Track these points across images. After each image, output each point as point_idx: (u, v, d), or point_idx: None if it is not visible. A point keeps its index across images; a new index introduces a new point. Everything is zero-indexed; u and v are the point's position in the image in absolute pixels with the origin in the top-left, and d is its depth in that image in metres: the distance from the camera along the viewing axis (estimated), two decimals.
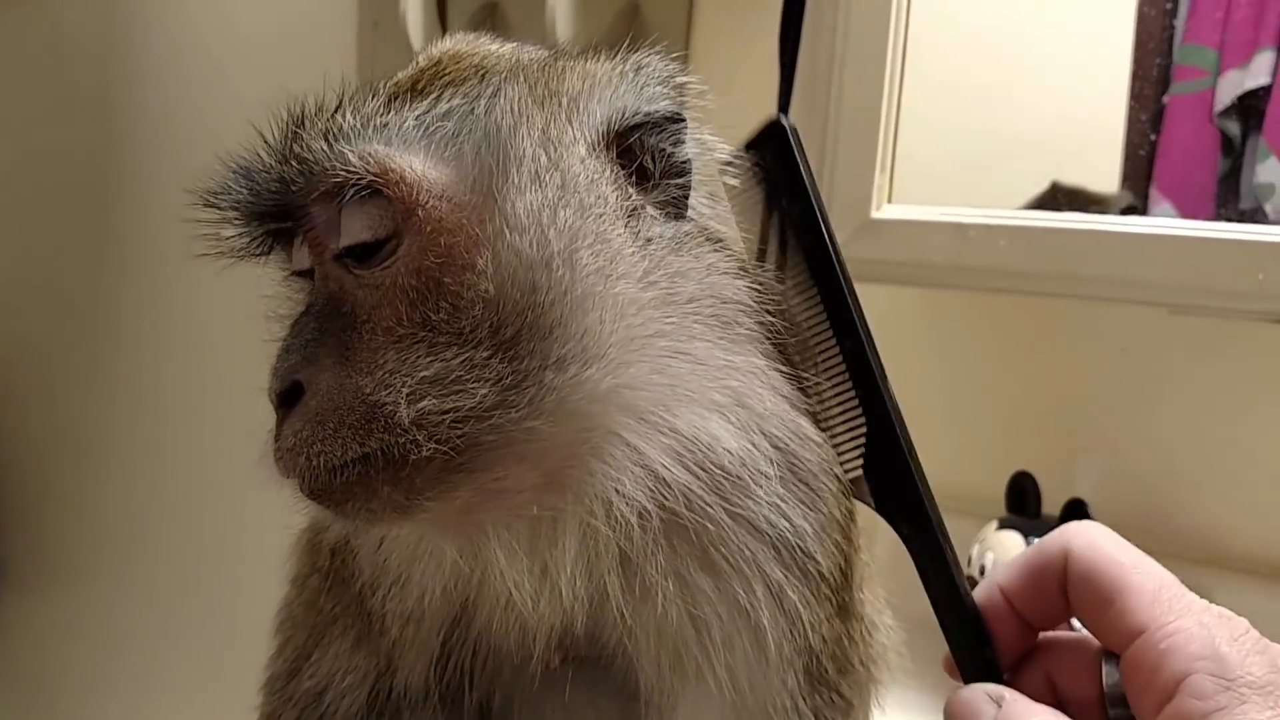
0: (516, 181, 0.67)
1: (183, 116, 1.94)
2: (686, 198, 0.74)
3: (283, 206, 0.71)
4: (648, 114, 0.73)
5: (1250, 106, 1.42)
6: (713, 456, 0.71)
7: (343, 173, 0.66)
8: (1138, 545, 1.40)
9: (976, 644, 0.71)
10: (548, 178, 0.68)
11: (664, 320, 0.70)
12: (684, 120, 0.74)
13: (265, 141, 0.72)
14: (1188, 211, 1.43)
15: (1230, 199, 1.43)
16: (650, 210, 0.72)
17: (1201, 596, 1.31)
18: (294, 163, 0.68)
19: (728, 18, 1.77)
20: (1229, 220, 1.36)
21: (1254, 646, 0.60)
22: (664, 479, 0.69)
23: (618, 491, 0.69)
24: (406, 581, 0.79)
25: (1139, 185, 1.48)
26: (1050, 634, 0.72)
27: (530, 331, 0.66)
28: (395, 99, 0.71)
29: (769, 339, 0.77)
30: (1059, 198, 1.46)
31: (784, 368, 0.77)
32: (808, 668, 0.79)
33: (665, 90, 0.75)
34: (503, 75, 0.72)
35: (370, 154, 0.67)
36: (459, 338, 0.65)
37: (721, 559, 0.74)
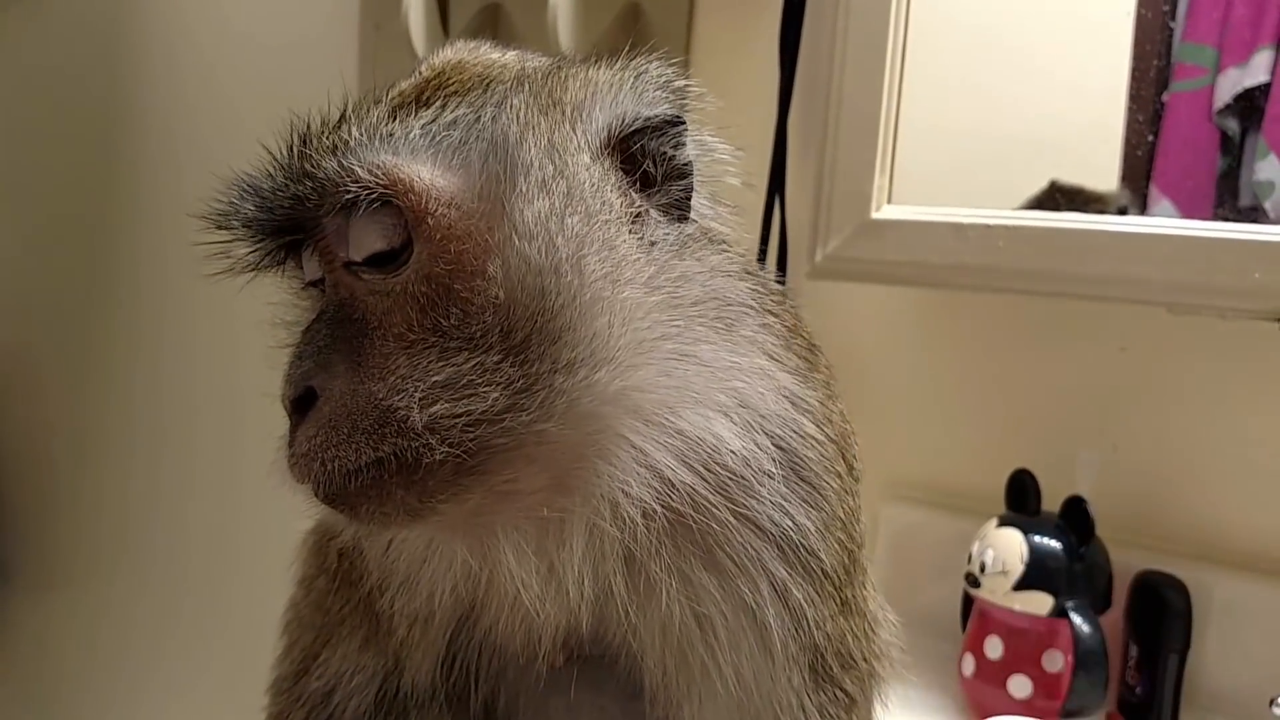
0: (524, 190, 0.68)
1: (183, 118, 1.95)
2: (689, 200, 0.75)
3: (294, 220, 0.72)
4: (648, 119, 0.74)
5: (1249, 104, 1.42)
6: (717, 457, 0.72)
7: (353, 188, 0.67)
8: (1137, 542, 1.42)
9: None
10: (554, 185, 0.69)
11: (670, 323, 0.71)
12: (684, 123, 0.75)
13: (274, 159, 0.73)
14: (1187, 209, 1.43)
15: (1229, 197, 1.44)
16: (654, 214, 0.73)
17: (1201, 593, 1.33)
18: (306, 181, 0.69)
19: (728, 19, 1.78)
20: (1227, 218, 1.37)
21: None
22: (669, 480, 0.70)
23: (624, 493, 0.70)
24: (415, 582, 0.80)
25: (1138, 184, 1.48)
26: None
27: (540, 336, 0.67)
28: (400, 109, 0.72)
29: (772, 339, 0.78)
30: (1058, 197, 1.47)
31: (791, 369, 0.78)
32: (812, 664, 0.80)
33: (665, 95, 0.76)
34: (507, 84, 0.73)
35: (379, 165, 0.68)
36: (470, 343, 0.66)
37: (726, 558, 0.75)
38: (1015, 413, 1.59)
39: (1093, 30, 1.57)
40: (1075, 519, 1.34)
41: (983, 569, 1.34)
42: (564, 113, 0.72)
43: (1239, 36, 1.43)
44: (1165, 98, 1.47)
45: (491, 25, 1.89)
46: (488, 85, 0.73)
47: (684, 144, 0.75)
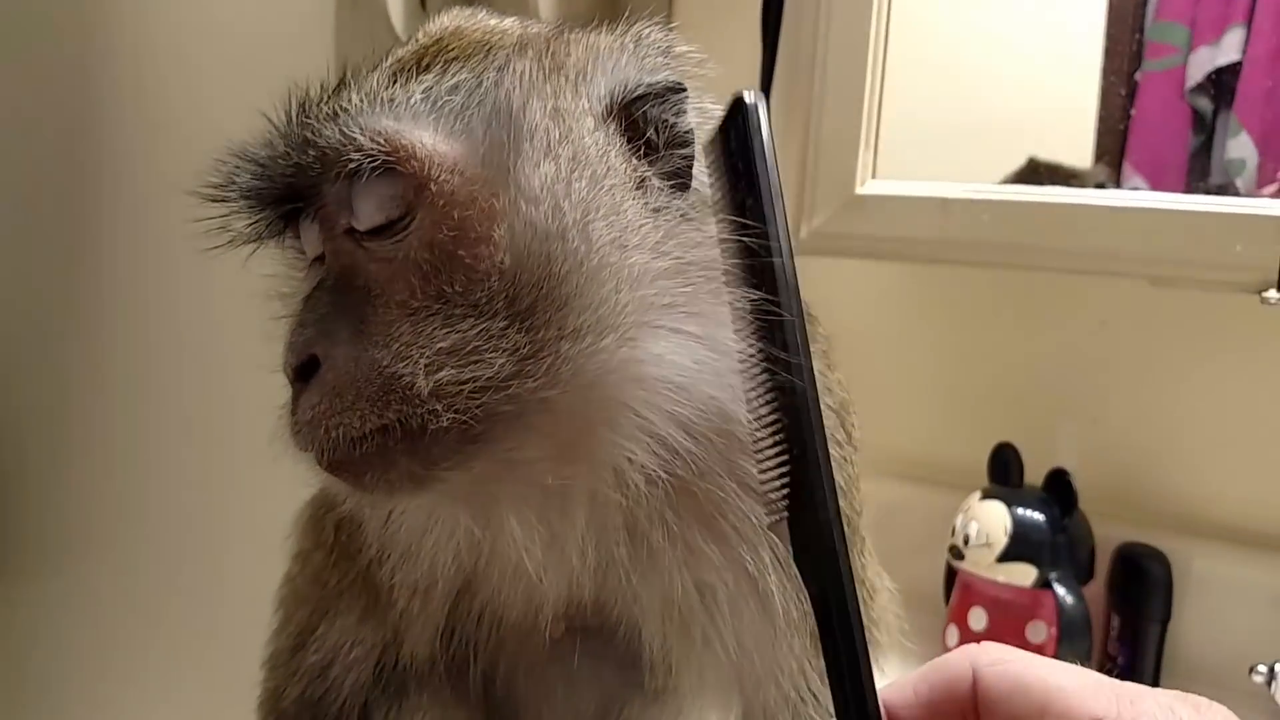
0: (530, 154, 0.67)
1: (157, 96, 1.92)
2: (690, 168, 0.74)
3: (294, 189, 0.71)
4: (650, 85, 0.73)
5: (1221, 83, 1.44)
6: (722, 425, 0.72)
7: (355, 156, 0.66)
8: (1119, 514, 1.43)
9: None
10: (560, 150, 0.68)
11: (677, 289, 0.70)
12: (685, 90, 0.74)
13: (274, 127, 0.72)
14: (1159, 187, 1.45)
15: (1201, 175, 1.45)
16: (656, 182, 0.72)
17: (1181, 565, 1.34)
18: (307, 149, 0.68)
19: None
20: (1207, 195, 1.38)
21: None
22: (673, 447, 0.70)
23: (629, 459, 0.69)
24: (416, 553, 0.79)
25: (1112, 161, 1.49)
26: None
27: (546, 302, 0.66)
28: (400, 74, 0.71)
29: None
30: (1038, 172, 1.48)
31: None
32: (813, 631, 0.80)
33: (665, 61, 0.76)
34: (509, 49, 0.73)
35: (380, 131, 0.67)
36: (474, 309, 0.66)
37: (729, 526, 0.75)
38: (998, 386, 1.60)
39: (1068, 9, 1.58)
40: (1058, 491, 1.35)
41: (966, 541, 1.35)
42: (567, 77, 0.71)
43: (1210, 15, 1.44)
44: (1138, 76, 1.48)
45: (469, 1, 1.87)
46: (488, 50, 0.73)
47: (685, 111, 0.74)
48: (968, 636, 1.35)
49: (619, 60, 0.74)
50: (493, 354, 0.65)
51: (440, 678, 0.87)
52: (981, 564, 1.34)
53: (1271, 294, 1.21)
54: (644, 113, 0.73)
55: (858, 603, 0.55)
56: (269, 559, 0.98)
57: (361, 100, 0.69)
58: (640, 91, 0.73)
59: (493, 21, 0.79)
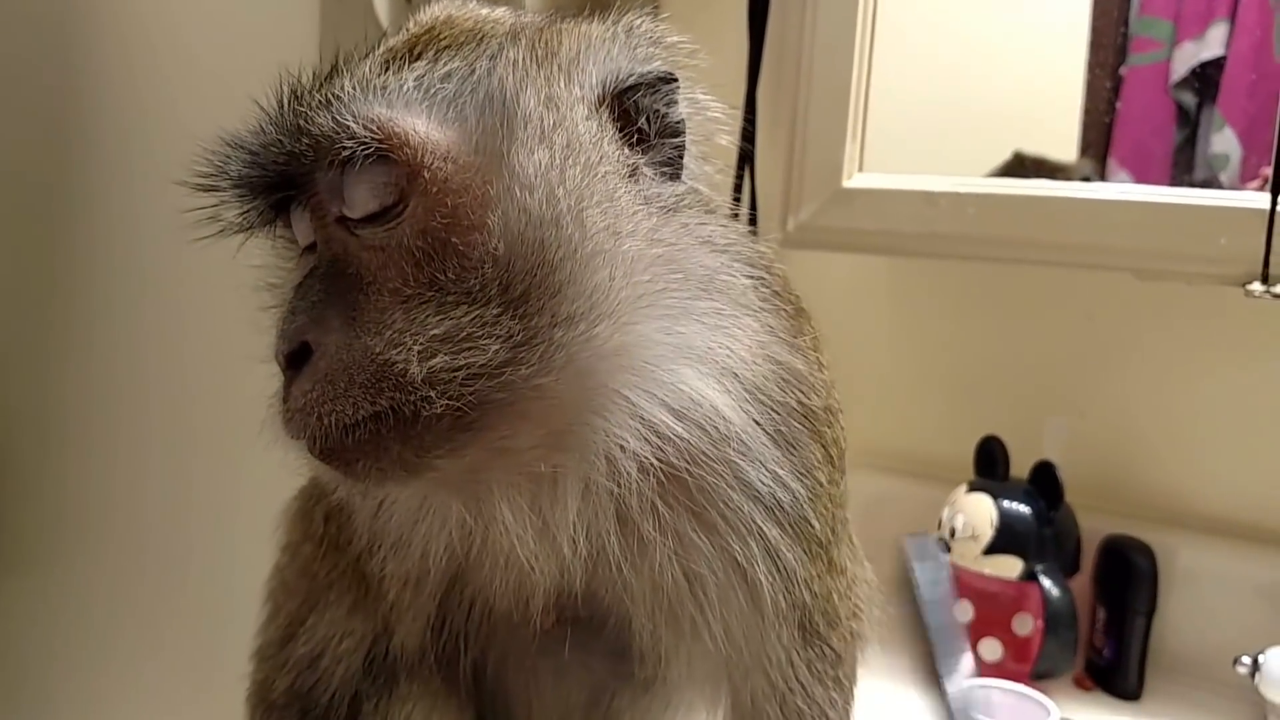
0: (523, 141, 0.67)
1: (141, 88, 1.90)
2: (681, 158, 0.74)
3: (285, 177, 0.71)
4: (641, 75, 0.73)
5: (1205, 77, 1.44)
6: (712, 416, 0.72)
7: (348, 143, 0.66)
8: (1105, 507, 1.44)
9: None
10: (554, 137, 0.68)
11: (670, 277, 0.70)
12: (676, 80, 0.74)
13: (266, 114, 0.71)
14: (1144, 181, 1.45)
15: (1185, 169, 1.46)
16: (648, 170, 0.72)
17: (1166, 557, 1.35)
18: (299, 136, 0.68)
19: None
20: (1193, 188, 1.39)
21: None
22: (665, 435, 0.70)
23: (621, 448, 0.69)
24: (407, 543, 0.79)
25: (1097, 155, 1.50)
26: None
27: (540, 289, 0.66)
28: (392, 62, 0.71)
29: (762, 302, 0.78)
30: (1024, 166, 1.48)
31: (781, 332, 0.78)
32: (801, 622, 0.80)
33: (657, 51, 0.76)
34: (500, 38, 0.72)
35: (373, 119, 0.67)
36: (468, 296, 0.66)
37: (719, 517, 0.75)
38: (984, 379, 1.60)
39: (1053, 3, 1.59)
40: (1044, 484, 1.35)
41: (953, 534, 1.36)
42: (559, 66, 0.71)
43: (1194, 10, 1.45)
44: (1123, 71, 1.49)
45: None
46: (481, 39, 0.72)
47: (676, 101, 0.74)
48: None
49: (611, 50, 0.74)
50: (486, 341, 0.65)
51: (430, 668, 0.87)
52: (968, 556, 1.34)
53: (1256, 286, 1.22)
54: (635, 102, 0.73)
55: None
56: (259, 551, 0.98)
57: (354, 87, 0.69)
58: (632, 81, 0.73)
59: (484, 11, 0.79)
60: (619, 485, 0.71)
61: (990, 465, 1.41)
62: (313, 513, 0.90)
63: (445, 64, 0.70)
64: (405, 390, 0.65)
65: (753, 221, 1.63)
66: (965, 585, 1.37)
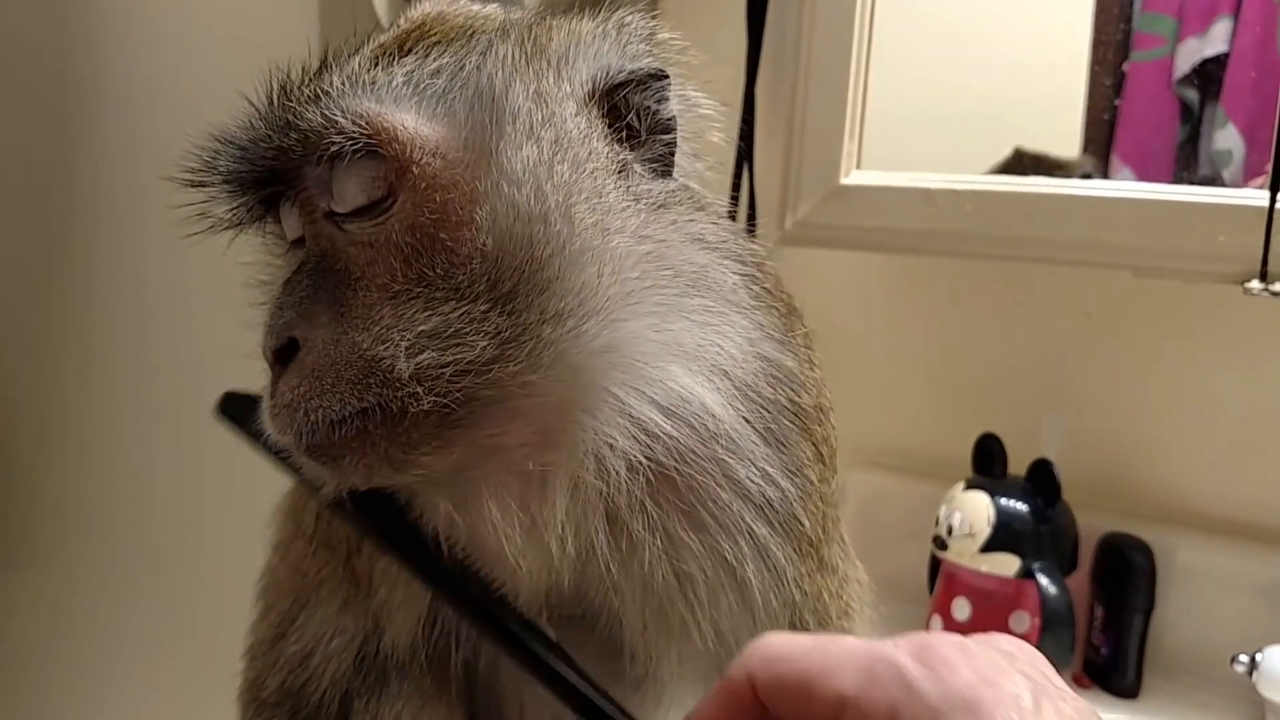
0: (512, 136, 0.67)
1: (140, 84, 1.91)
2: (672, 155, 0.74)
3: (274, 172, 0.71)
4: (632, 72, 0.73)
5: (1208, 74, 1.44)
6: (701, 414, 0.72)
7: (337, 138, 0.66)
8: (1102, 505, 1.43)
9: None
10: (543, 132, 0.68)
11: (658, 275, 0.70)
12: (667, 77, 0.74)
13: (255, 109, 0.71)
14: (1147, 178, 1.45)
15: (1188, 165, 1.45)
16: (638, 168, 0.72)
17: (1164, 555, 1.35)
18: (288, 131, 0.68)
19: None
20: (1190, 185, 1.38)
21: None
22: (654, 432, 0.70)
23: (610, 446, 0.69)
24: None
25: (1100, 151, 1.50)
26: None
27: (528, 285, 0.66)
28: (381, 58, 0.71)
29: (754, 300, 0.77)
30: (1024, 162, 1.48)
31: (771, 329, 0.78)
32: (791, 621, 0.80)
33: (647, 48, 0.76)
34: (491, 34, 0.72)
35: (362, 114, 0.67)
36: (456, 292, 0.65)
37: (709, 516, 0.75)
38: (981, 377, 1.60)
39: (1057, 1, 1.58)
40: (1041, 482, 1.35)
41: (950, 532, 1.36)
42: (549, 62, 0.71)
43: (1198, 6, 1.45)
44: (1126, 67, 1.48)
45: None
46: (470, 35, 0.72)
47: (667, 98, 0.74)
48: (951, 627, 1.36)
49: (601, 46, 0.74)
50: (474, 337, 0.65)
51: (421, 667, 0.86)
52: (965, 554, 1.34)
53: (1254, 284, 1.22)
54: (626, 99, 0.73)
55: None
56: (251, 548, 0.98)
57: (343, 83, 0.69)
58: (622, 78, 0.73)
59: (475, 8, 0.79)
60: (608, 484, 0.71)
61: (988, 463, 1.41)
62: (303, 510, 0.90)
63: (435, 60, 0.70)
64: (393, 386, 0.65)
65: (751, 218, 1.62)
66: (962, 583, 1.36)
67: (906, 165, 1.48)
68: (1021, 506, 1.34)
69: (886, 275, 1.68)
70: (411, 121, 0.67)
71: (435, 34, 0.73)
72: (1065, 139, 1.52)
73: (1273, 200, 1.22)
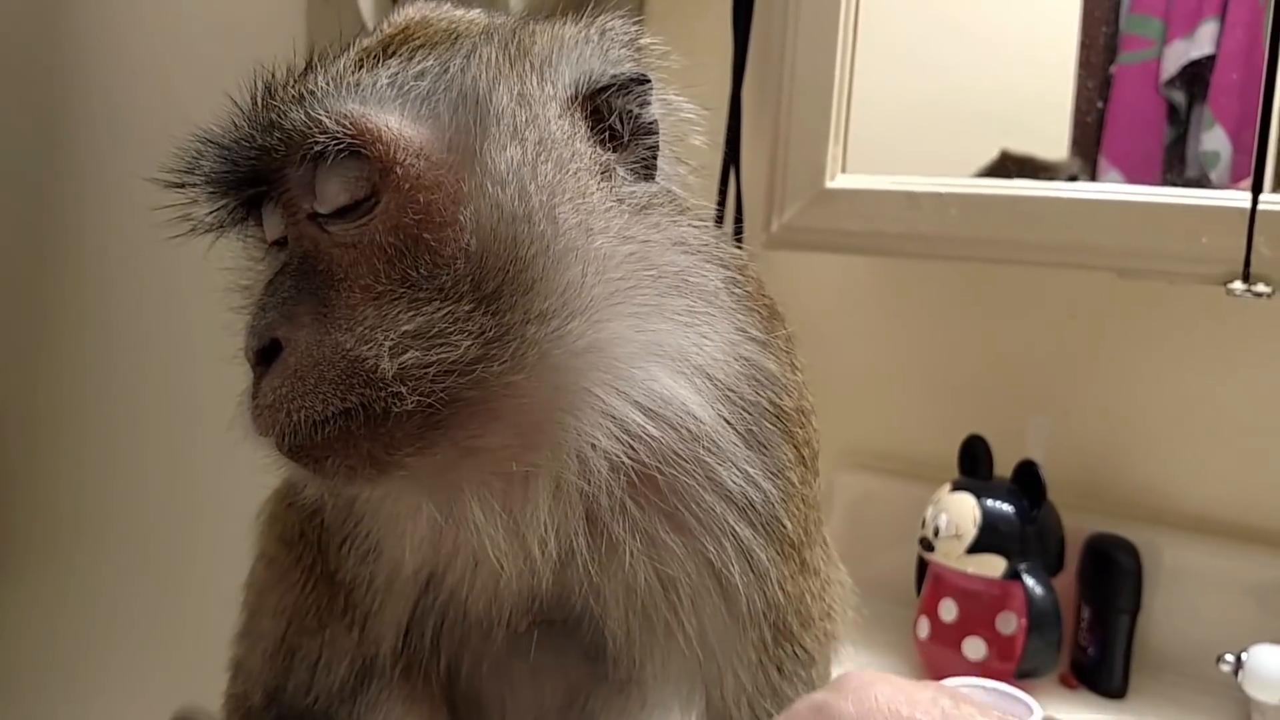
0: (496, 137, 0.68)
1: (126, 86, 1.91)
2: (655, 159, 0.75)
3: (257, 173, 0.71)
4: (614, 76, 0.73)
5: (1195, 76, 1.44)
6: (683, 415, 0.72)
7: (320, 138, 0.66)
8: (1088, 506, 1.44)
9: None
10: (526, 134, 0.68)
11: (641, 276, 0.70)
12: (650, 82, 0.75)
13: (239, 110, 0.71)
14: (1135, 179, 1.45)
15: (1176, 167, 1.45)
16: (621, 170, 0.72)
17: (1150, 556, 1.35)
18: (272, 131, 0.68)
19: None
20: (1175, 186, 1.38)
21: None
22: (637, 435, 0.70)
23: (592, 446, 0.69)
24: (379, 550, 0.79)
25: (1087, 153, 1.50)
26: None
27: (512, 285, 0.66)
28: (366, 60, 0.71)
29: (735, 303, 0.78)
30: (1009, 165, 1.48)
31: (753, 332, 0.78)
32: (775, 623, 0.80)
33: (630, 52, 0.76)
34: (475, 38, 0.73)
35: (346, 115, 0.67)
36: (440, 292, 0.66)
37: (691, 517, 0.75)
38: (967, 379, 1.60)
39: (1043, 2, 1.58)
40: (1027, 483, 1.35)
41: (936, 533, 1.36)
42: (532, 65, 0.71)
43: (1184, 8, 1.45)
44: (1113, 69, 1.48)
45: None
46: (454, 39, 0.73)
47: (649, 102, 0.74)
48: (938, 628, 1.36)
49: (584, 51, 0.74)
50: (458, 337, 0.65)
51: (405, 672, 0.87)
52: (951, 555, 1.34)
53: (1237, 285, 1.22)
54: (608, 103, 0.73)
55: None
56: (242, 549, 0.98)
57: (327, 84, 0.69)
58: (605, 82, 0.73)
59: (459, 12, 0.80)
60: (590, 484, 0.71)
61: (973, 464, 1.41)
62: (284, 518, 0.90)
63: (419, 62, 0.71)
64: (376, 386, 0.65)
65: (738, 222, 1.63)
66: (949, 584, 1.37)
67: (892, 168, 1.48)
68: (1007, 508, 1.34)
69: (872, 278, 1.68)
70: (395, 123, 0.68)
71: (420, 37, 0.73)
72: (1052, 141, 1.52)
73: (1255, 201, 1.22)
